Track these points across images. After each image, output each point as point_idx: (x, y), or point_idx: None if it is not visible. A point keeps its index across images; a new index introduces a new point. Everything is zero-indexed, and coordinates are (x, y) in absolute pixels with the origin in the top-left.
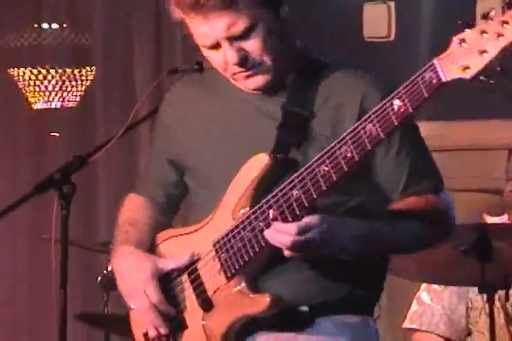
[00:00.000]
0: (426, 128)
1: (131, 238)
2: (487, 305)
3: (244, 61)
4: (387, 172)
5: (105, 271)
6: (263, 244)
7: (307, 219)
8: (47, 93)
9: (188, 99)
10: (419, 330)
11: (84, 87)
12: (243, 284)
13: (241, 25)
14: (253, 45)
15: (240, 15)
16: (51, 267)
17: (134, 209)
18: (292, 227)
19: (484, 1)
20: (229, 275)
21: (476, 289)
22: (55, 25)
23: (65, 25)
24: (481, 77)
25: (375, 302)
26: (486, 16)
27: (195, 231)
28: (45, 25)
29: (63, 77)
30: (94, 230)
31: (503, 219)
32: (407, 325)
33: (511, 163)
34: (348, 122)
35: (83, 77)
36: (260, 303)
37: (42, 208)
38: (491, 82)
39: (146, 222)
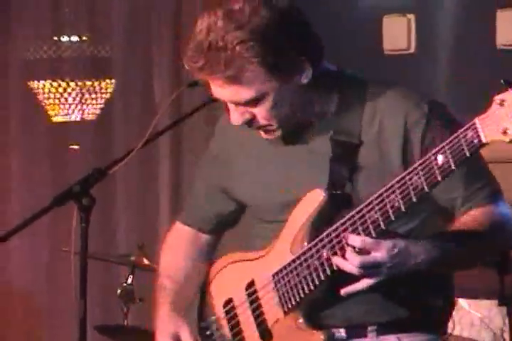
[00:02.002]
0: None
1: (170, 297)
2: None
3: (249, 123)
4: (445, 191)
5: (124, 284)
6: (317, 283)
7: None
8: (66, 106)
9: (239, 132)
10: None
11: (103, 100)
12: (300, 320)
13: (245, 97)
14: (259, 112)
15: (244, 88)
16: (71, 279)
17: (175, 253)
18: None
19: (504, 12)
20: (286, 309)
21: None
22: (74, 38)
23: (84, 38)
24: None
25: (445, 320)
26: None
27: (257, 258)
28: (65, 38)
29: (83, 90)
30: (114, 242)
31: None
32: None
33: None
34: (394, 146)
35: (103, 90)
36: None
37: (62, 220)
38: None
39: (188, 267)
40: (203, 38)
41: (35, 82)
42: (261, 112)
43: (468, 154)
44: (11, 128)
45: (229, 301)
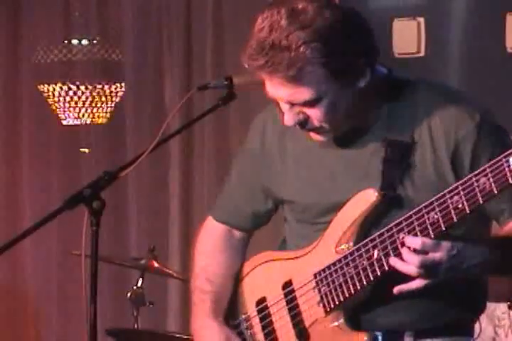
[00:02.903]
0: None
1: (208, 301)
2: None
3: (302, 124)
4: (497, 201)
5: (135, 287)
6: (364, 283)
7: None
8: (77, 109)
9: (282, 130)
10: None
11: (114, 103)
12: (341, 320)
13: (304, 97)
14: (314, 114)
15: (304, 88)
16: (81, 282)
17: (212, 255)
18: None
19: None
20: (328, 309)
21: (502, 307)
22: (85, 41)
23: (95, 41)
24: None
25: (475, 322)
26: None
27: (296, 258)
28: (75, 41)
29: (93, 93)
30: (125, 245)
31: None
32: None
33: None
34: (444, 154)
35: (113, 93)
36: None
37: (73, 224)
38: None
39: (222, 273)
40: (265, 36)
41: (46, 85)
42: (316, 114)
43: (511, 182)
44: (22, 131)
45: (262, 300)
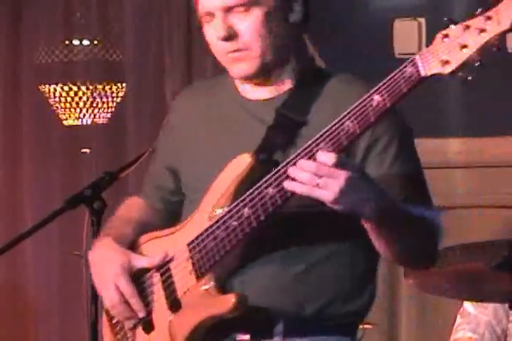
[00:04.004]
0: (464, 144)
1: (114, 231)
2: None
3: (231, 38)
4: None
5: None
6: (234, 243)
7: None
8: (78, 110)
9: (190, 108)
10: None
11: (115, 104)
12: (211, 283)
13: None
14: (246, 28)
15: None
16: (82, 283)
17: (128, 208)
18: (330, 158)
19: None
20: (199, 274)
21: None
22: (86, 42)
23: (95, 42)
24: (460, 73)
25: (359, 321)
26: (473, 14)
27: (174, 232)
28: (76, 42)
29: (94, 94)
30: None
31: None
32: (452, 337)
33: None
34: None
35: (114, 94)
36: (225, 304)
37: (74, 224)
38: (469, 78)
39: (135, 219)
40: None
41: (47, 86)
42: (248, 26)
43: (405, 90)
44: (23, 132)
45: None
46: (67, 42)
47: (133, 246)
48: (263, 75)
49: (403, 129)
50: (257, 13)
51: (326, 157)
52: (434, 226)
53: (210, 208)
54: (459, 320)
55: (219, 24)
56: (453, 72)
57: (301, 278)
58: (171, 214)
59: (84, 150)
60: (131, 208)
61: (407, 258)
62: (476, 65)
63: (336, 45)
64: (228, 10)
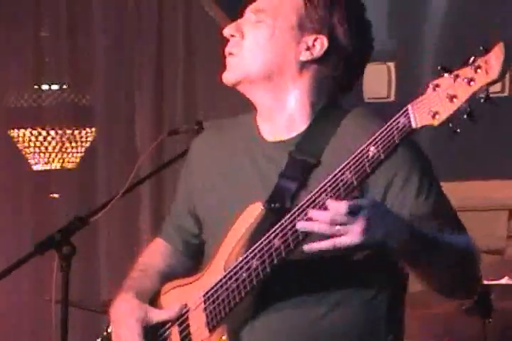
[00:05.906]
0: None
1: (135, 285)
2: None
3: (233, 32)
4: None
5: (105, 333)
6: (243, 295)
7: (356, 200)
8: (47, 154)
9: (208, 150)
10: None
11: (84, 149)
12: (223, 338)
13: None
14: (252, 35)
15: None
16: (52, 328)
17: (150, 254)
18: (341, 206)
19: None
20: (211, 327)
21: None
22: (55, 86)
23: (65, 86)
24: (450, 124)
25: None
26: (464, 62)
27: (194, 282)
28: (45, 86)
29: (63, 138)
30: (95, 290)
31: (503, 280)
32: None
33: None
34: None
35: (83, 138)
36: None
37: (44, 268)
38: (457, 131)
39: (158, 267)
40: None
41: (16, 130)
42: (254, 36)
43: (397, 141)
44: None
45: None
46: (36, 86)
47: (156, 296)
48: (247, 92)
49: (422, 160)
50: (267, 24)
51: (338, 206)
52: (469, 249)
53: (226, 256)
54: None
55: (237, 23)
56: (442, 123)
57: (319, 321)
58: (193, 257)
59: (53, 195)
60: (154, 254)
61: (451, 286)
62: (465, 116)
63: None
64: (255, 12)
